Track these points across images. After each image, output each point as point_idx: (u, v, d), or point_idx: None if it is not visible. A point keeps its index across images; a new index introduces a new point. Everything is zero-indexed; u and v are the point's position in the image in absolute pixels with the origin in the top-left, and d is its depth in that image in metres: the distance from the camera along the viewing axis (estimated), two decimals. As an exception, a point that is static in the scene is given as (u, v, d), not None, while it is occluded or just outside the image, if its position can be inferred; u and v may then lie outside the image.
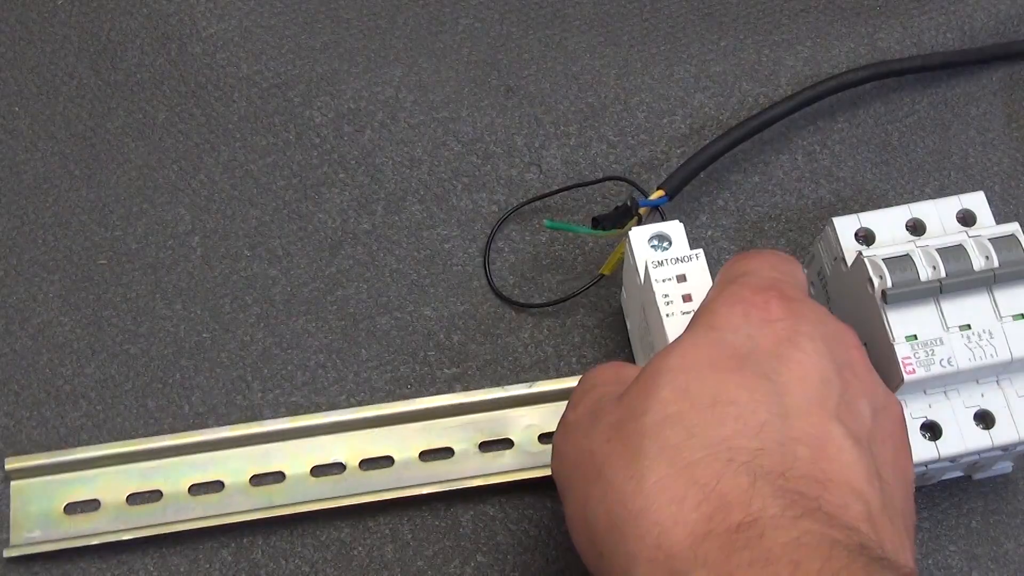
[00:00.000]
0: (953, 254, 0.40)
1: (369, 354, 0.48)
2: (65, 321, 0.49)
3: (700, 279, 0.41)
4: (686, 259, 0.41)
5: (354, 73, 0.54)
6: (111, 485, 0.45)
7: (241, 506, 0.45)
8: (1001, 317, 0.41)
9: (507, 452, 0.46)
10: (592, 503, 0.33)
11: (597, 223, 0.47)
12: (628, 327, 0.48)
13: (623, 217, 0.46)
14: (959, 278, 0.40)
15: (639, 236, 0.43)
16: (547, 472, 0.44)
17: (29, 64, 0.54)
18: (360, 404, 0.47)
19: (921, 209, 0.44)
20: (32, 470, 0.45)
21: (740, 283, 0.36)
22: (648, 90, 0.53)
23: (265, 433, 0.46)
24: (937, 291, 0.40)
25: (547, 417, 0.46)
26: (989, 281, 0.41)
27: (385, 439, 0.46)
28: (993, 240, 0.41)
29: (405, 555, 0.45)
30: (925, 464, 0.41)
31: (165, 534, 0.44)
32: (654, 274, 0.41)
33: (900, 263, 0.40)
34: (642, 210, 0.46)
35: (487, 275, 0.49)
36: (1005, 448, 0.41)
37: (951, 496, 0.45)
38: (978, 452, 0.41)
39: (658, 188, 0.48)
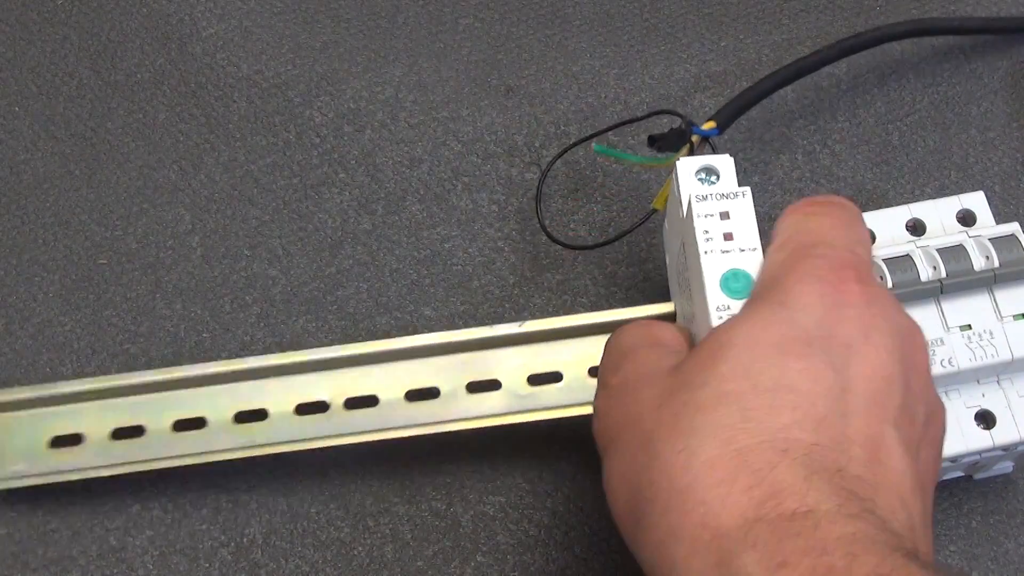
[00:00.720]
0: (953, 254, 0.40)
1: (369, 354, 0.48)
2: (65, 321, 0.49)
3: (745, 219, 0.39)
4: (732, 196, 0.39)
5: (354, 73, 0.54)
6: (95, 419, 0.44)
7: (224, 444, 0.44)
8: (1002, 317, 0.41)
9: (495, 394, 0.44)
10: (637, 469, 0.32)
11: (652, 142, 0.45)
12: (667, 261, 0.47)
13: (677, 141, 0.45)
14: (959, 278, 0.40)
15: (687, 167, 0.41)
16: (535, 417, 0.44)
17: (29, 64, 0.54)
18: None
19: (921, 209, 0.44)
20: (17, 403, 0.44)
21: (816, 257, 0.34)
22: (648, 90, 0.53)
23: (249, 370, 0.44)
24: (938, 291, 0.40)
25: (535, 357, 0.45)
26: (989, 281, 0.41)
27: (370, 378, 0.45)
28: (993, 240, 0.41)
29: (405, 555, 0.45)
30: (925, 464, 0.41)
31: (149, 471, 0.43)
32: (696, 208, 0.39)
33: (900, 263, 0.40)
34: (694, 138, 0.45)
35: (539, 218, 0.49)
36: (1006, 448, 0.41)
37: (951, 496, 0.45)
38: (979, 452, 0.41)
39: (709, 119, 0.46)
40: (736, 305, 0.36)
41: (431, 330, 0.48)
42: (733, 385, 0.32)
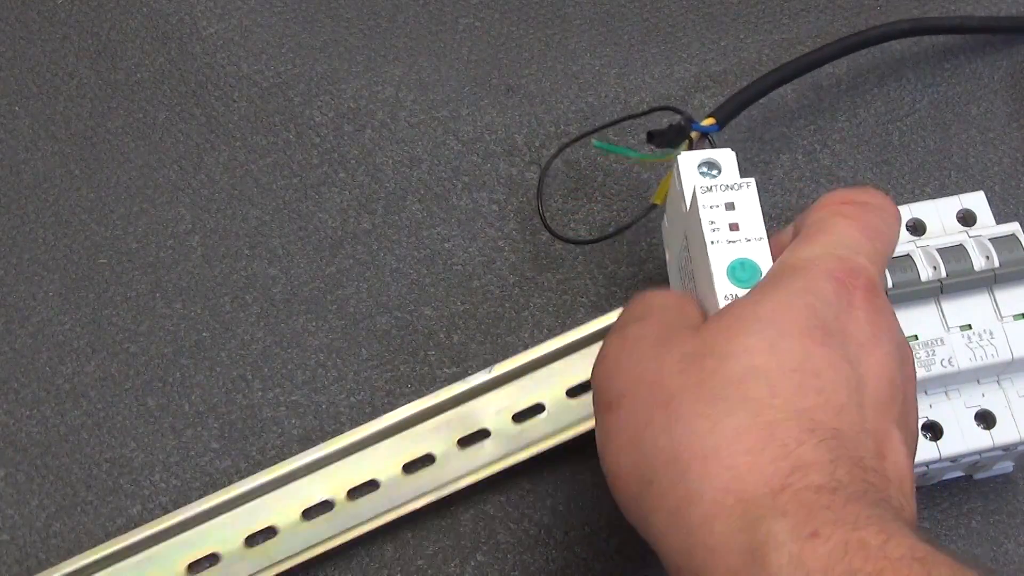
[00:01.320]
0: (954, 254, 0.40)
1: (369, 353, 0.48)
2: (65, 320, 0.49)
3: (750, 209, 0.38)
4: (736, 187, 0.39)
5: (354, 72, 0.54)
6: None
7: (242, 572, 0.44)
8: (1002, 317, 0.41)
9: (486, 442, 0.46)
10: (654, 429, 0.32)
11: (651, 137, 0.45)
12: (667, 258, 0.46)
13: (676, 137, 0.45)
14: (960, 278, 0.40)
15: (688, 161, 0.41)
16: (528, 454, 0.45)
17: (29, 64, 0.54)
18: (359, 403, 0.47)
19: (921, 209, 0.44)
20: None
21: (837, 258, 0.35)
22: (648, 89, 0.53)
23: (245, 493, 0.45)
24: (938, 291, 0.40)
25: (514, 396, 0.46)
26: (990, 281, 0.41)
27: (365, 462, 0.46)
28: (993, 240, 0.41)
29: (405, 555, 0.45)
30: (926, 464, 0.41)
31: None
32: (702, 200, 0.39)
33: (901, 263, 0.40)
34: (693, 134, 0.45)
35: (540, 213, 0.49)
36: (1006, 448, 0.41)
37: (951, 496, 0.45)
38: (979, 452, 0.41)
39: (709, 116, 0.46)
40: (743, 294, 0.36)
41: (431, 329, 0.48)
42: (760, 360, 0.32)
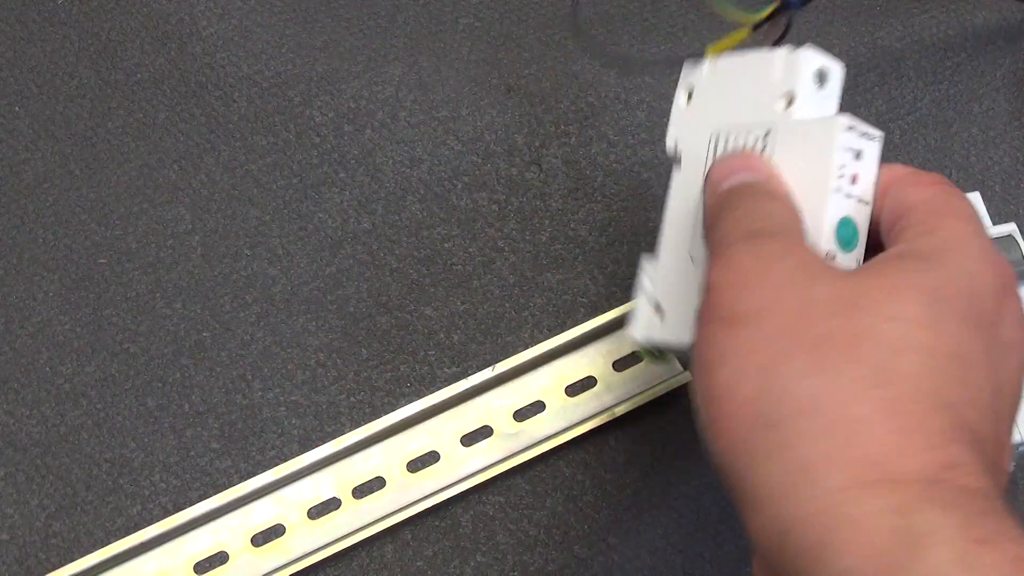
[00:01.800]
0: None
1: (369, 353, 0.48)
2: (65, 320, 0.49)
3: (870, 166, 0.35)
4: (870, 137, 0.35)
5: (354, 72, 0.54)
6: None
7: (249, 572, 0.44)
8: (1001, 317, 0.41)
9: (488, 440, 0.46)
10: (794, 368, 0.29)
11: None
12: (674, 172, 0.40)
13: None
14: (958, 279, 0.40)
15: (810, 60, 0.36)
16: (530, 455, 0.45)
17: (29, 64, 0.54)
18: (359, 403, 0.47)
19: (920, 209, 0.44)
20: None
21: (991, 250, 0.32)
22: (648, 89, 0.53)
23: (251, 492, 0.45)
24: (936, 291, 0.40)
25: (515, 394, 0.47)
26: (988, 281, 0.40)
27: (371, 460, 0.46)
28: (991, 241, 0.41)
29: (405, 555, 0.45)
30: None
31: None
32: (842, 139, 0.34)
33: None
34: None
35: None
36: (1006, 448, 0.41)
37: (951, 496, 0.45)
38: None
39: None
40: (843, 257, 0.34)
41: (431, 329, 0.48)
42: (921, 334, 0.29)
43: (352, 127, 0.52)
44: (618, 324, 0.47)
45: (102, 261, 0.50)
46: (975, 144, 0.52)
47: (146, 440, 0.47)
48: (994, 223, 0.43)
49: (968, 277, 0.31)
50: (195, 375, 0.48)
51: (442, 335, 0.49)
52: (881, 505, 0.27)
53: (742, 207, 0.34)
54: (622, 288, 0.49)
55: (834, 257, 0.33)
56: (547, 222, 0.50)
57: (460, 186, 0.51)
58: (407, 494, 0.45)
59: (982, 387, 0.30)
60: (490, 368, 0.46)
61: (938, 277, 0.31)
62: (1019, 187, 0.51)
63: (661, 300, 0.40)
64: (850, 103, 0.52)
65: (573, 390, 0.47)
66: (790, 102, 0.36)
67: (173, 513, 0.44)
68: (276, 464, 0.45)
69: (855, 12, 0.55)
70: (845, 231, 0.34)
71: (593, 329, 0.47)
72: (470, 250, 0.50)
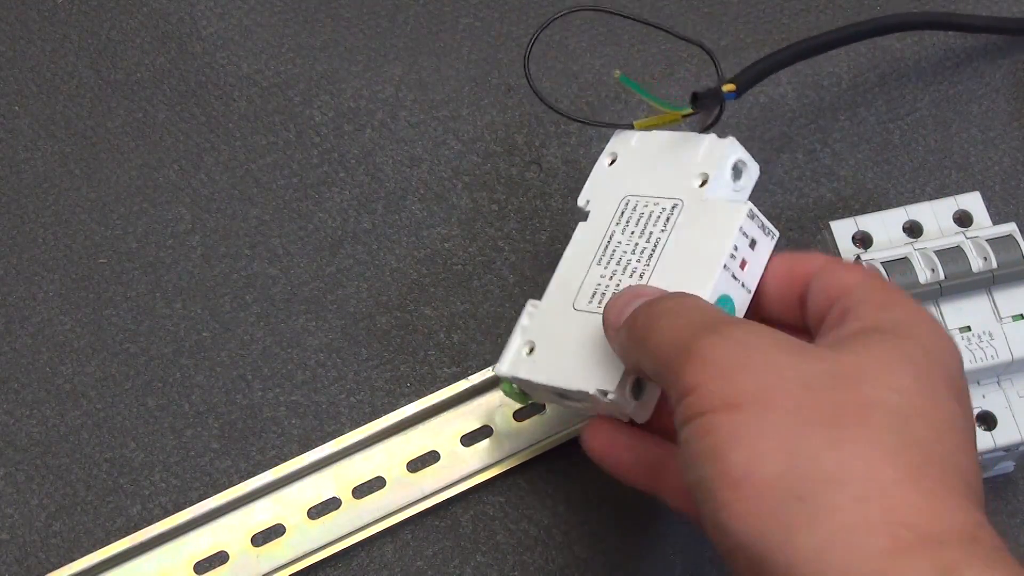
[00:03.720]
0: (951, 256, 0.40)
1: (369, 353, 0.48)
2: (65, 320, 0.49)
3: (760, 260, 0.37)
4: (767, 232, 0.38)
5: (354, 72, 0.54)
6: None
7: (250, 573, 0.44)
8: (1001, 318, 0.41)
9: (487, 441, 0.46)
10: (814, 443, 0.30)
11: (696, 99, 0.41)
12: (569, 246, 0.42)
13: (711, 101, 0.41)
14: (958, 280, 0.40)
15: (729, 148, 0.39)
16: (529, 455, 0.45)
17: (29, 64, 0.54)
18: (359, 403, 0.47)
19: (917, 211, 0.44)
20: None
21: (933, 320, 0.34)
22: (648, 89, 0.53)
23: (251, 492, 0.45)
24: (937, 293, 0.40)
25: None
26: (988, 282, 0.41)
27: (372, 460, 0.46)
28: (991, 241, 0.41)
29: (405, 555, 0.45)
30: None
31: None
32: (745, 224, 0.37)
33: (899, 266, 0.40)
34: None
35: (528, 81, 0.44)
36: (1007, 448, 0.41)
37: (951, 496, 0.45)
38: (980, 453, 0.41)
39: (729, 81, 0.43)
40: None
41: (431, 328, 0.48)
42: (919, 402, 0.31)
43: (352, 126, 0.52)
44: None
45: (102, 261, 0.50)
46: (975, 144, 0.52)
47: (146, 440, 0.47)
48: (994, 223, 0.43)
49: (940, 350, 0.32)
50: (195, 375, 0.48)
51: (442, 335, 0.49)
52: (928, 566, 0.27)
53: (671, 314, 0.34)
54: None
55: None
56: (547, 222, 0.50)
57: (460, 186, 0.51)
58: (407, 494, 0.45)
59: (972, 452, 0.31)
60: (490, 368, 0.46)
61: (917, 349, 0.32)
62: (1019, 187, 0.51)
63: (536, 339, 0.41)
64: (850, 103, 0.53)
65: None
66: (704, 182, 0.38)
67: (173, 513, 0.44)
68: (276, 464, 0.45)
69: (855, 13, 0.55)
70: (724, 307, 0.36)
71: None
72: (470, 250, 0.50)
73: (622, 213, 0.41)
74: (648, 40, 0.55)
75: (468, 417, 0.46)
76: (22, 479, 0.46)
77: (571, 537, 0.45)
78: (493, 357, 0.47)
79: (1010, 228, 0.41)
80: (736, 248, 0.37)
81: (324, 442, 0.45)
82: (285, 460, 0.45)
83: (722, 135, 0.40)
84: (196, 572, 0.44)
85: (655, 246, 0.38)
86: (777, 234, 0.38)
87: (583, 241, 0.41)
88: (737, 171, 0.39)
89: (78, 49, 0.54)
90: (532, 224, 0.50)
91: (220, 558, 0.44)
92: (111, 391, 0.48)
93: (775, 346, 0.32)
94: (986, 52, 0.54)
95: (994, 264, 0.40)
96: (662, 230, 0.39)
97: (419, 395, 0.47)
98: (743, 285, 0.37)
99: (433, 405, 0.46)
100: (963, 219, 0.43)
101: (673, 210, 0.39)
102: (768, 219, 0.38)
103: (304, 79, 0.53)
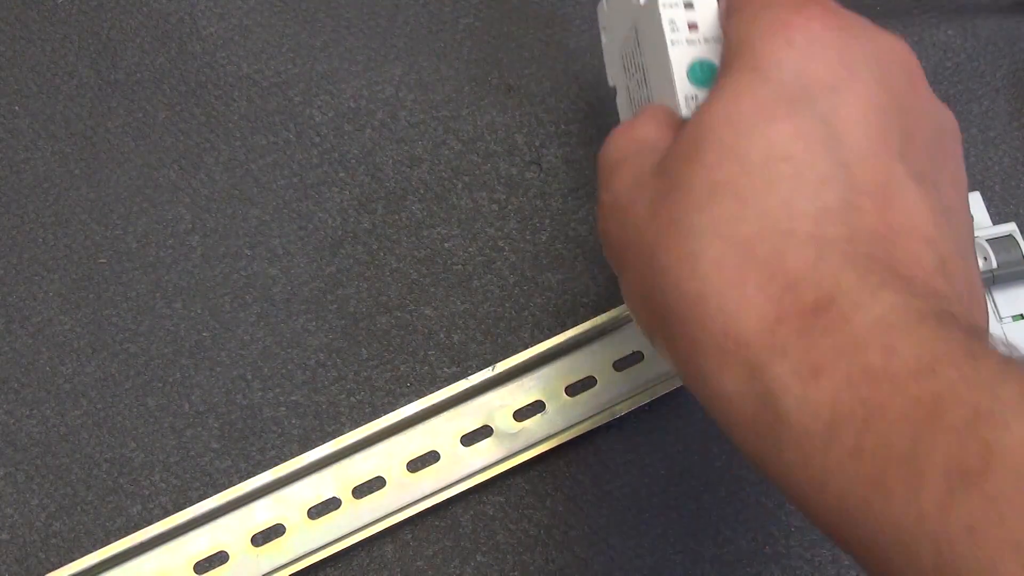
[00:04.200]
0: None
1: (369, 353, 0.48)
2: (65, 320, 0.49)
3: (707, 7, 0.38)
4: None
5: (354, 72, 0.54)
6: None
7: (250, 573, 0.44)
8: (1001, 318, 0.41)
9: (488, 441, 0.46)
10: (648, 286, 0.30)
11: None
12: (603, 38, 0.46)
13: None
14: (958, 279, 0.40)
15: None
16: (529, 455, 0.45)
17: (29, 63, 0.54)
18: (359, 403, 0.47)
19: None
20: None
21: (772, 6, 0.31)
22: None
23: (251, 492, 0.45)
24: (937, 292, 0.40)
25: (515, 394, 0.47)
26: (988, 282, 0.41)
27: (371, 460, 0.46)
28: (991, 241, 0.41)
29: (405, 555, 0.45)
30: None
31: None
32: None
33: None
34: None
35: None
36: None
37: (951, 496, 0.45)
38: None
39: None
40: (704, 94, 0.35)
41: (431, 328, 0.48)
42: (722, 172, 0.29)
43: (352, 126, 0.52)
44: (619, 324, 0.47)
45: (102, 261, 0.50)
46: (975, 144, 0.52)
47: (146, 440, 0.47)
48: (994, 223, 0.43)
49: (754, 71, 0.30)
50: (195, 375, 0.48)
51: (442, 335, 0.49)
52: (741, 374, 0.28)
53: (600, 162, 0.35)
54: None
55: (695, 97, 0.35)
56: (547, 222, 0.50)
57: (460, 186, 0.51)
58: (407, 494, 0.45)
59: (813, 160, 0.29)
60: (490, 368, 0.46)
61: (727, 98, 0.30)
62: (1019, 187, 0.51)
63: None
64: (850, 103, 0.52)
65: (573, 390, 0.47)
66: None
67: (173, 513, 0.44)
68: (276, 464, 0.45)
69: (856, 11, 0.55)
70: (701, 73, 0.36)
71: (593, 328, 0.47)
72: (470, 250, 0.50)
73: (625, 69, 0.43)
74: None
75: (468, 417, 0.46)
76: (22, 479, 0.46)
77: (571, 537, 0.45)
78: (493, 357, 0.48)
79: (1010, 228, 0.41)
80: (673, 21, 0.37)
81: (324, 442, 0.45)
82: (285, 460, 0.45)
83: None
84: (196, 572, 0.44)
85: (644, 74, 0.40)
86: None
87: (624, 109, 0.45)
88: None
89: (78, 49, 0.54)
90: (532, 224, 0.50)
91: (220, 558, 0.44)
92: (111, 391, 0.48)
93: (627, 195, 0.32)
94: (986, 53, 0.54)
95: (994, 264, 0.40)
96: (640, 57, 0.40)
97: (419, 395, 0.47)
98: (708, 40, 0.37)
99: (433, 405, 0.46)
100: (963, 219, 0.43)
101: (638, 36, 0.40)
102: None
103: (304, 79, 0.53)
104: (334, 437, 0.46)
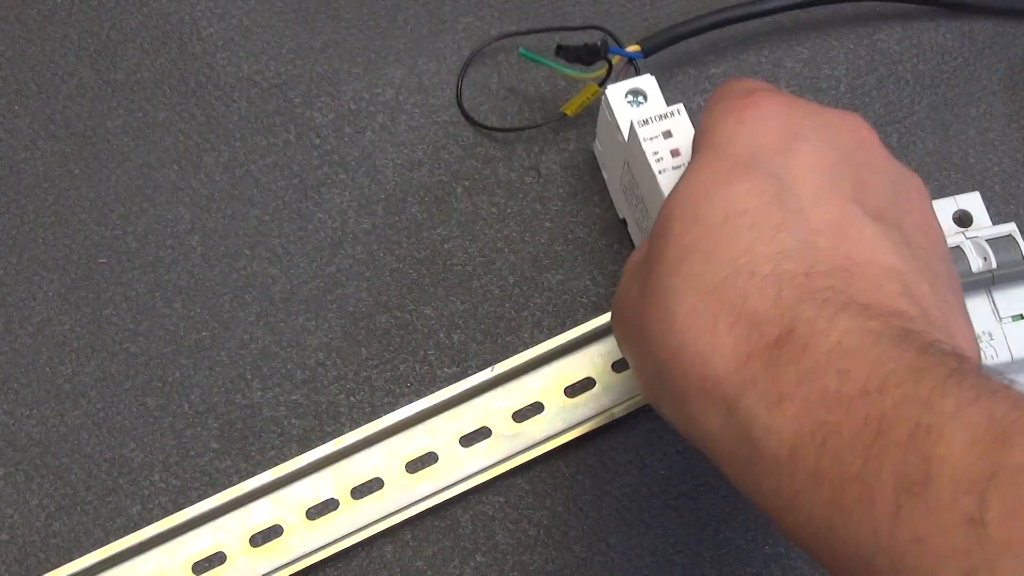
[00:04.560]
0: (951, 256, 0.41)
1: (369, 353, 0.48)
2: (65, 320, 0.49)
3: (685, 133, 0.41)
4: (668, 115, 0.42)
5: (355, 74, 0.54)
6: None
7: (248, 573, 0.44)
8: (1000, 318, 0.41)
9: (487, 441, 0.46)
10: (643, 354, 0.33)
11: (560, 50, 0.47)
12: (605, 176, 0.49)
13: (590, 56, 0.47)
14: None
15: (616, 93, 0.44)
16: (529, 456, 0.45)
17: (29, 63, 0.54)
18: (358, 403, 0.47)
19: (918, 210, 0.44)
20: None
21: (726, 96, 0.35)
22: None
23: (249, 492, 0.45)
24: (937, 292, 0.40)
25: (514, 394, 0.47)
26: (988, 282, 0.41)
27: (370, 461, 0.46)
28: (991, 241, 0.41)
29: (405, 555, 0.45)
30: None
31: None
32: (641, 133, 0.41)
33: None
34: (614, 59, 0.47)
35: (459, 101, 0.52)
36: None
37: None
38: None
39: (636, 43, 0.49)
40: None
41: (431, 328, 0.48)
42: (689, 236, 0.31)
43: (352, 129, 0.52)
44: None
45: (102, 261, 0.50)
46: (973, 146, 0.52)
47: (146, 440, 0.47)
48: (994, 223, 0.43)
49: (710, 147, 0.34)
50: (195, 375, 0.48)
51: (442, 335, 0.49)
52: (721, 413, 0.30)
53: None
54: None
55: None
56: (547, 224, 0.50)
57: (460, 190, 0.51)
58: (406, 495, 0.45)
59: (768, 211, 0.31)
60: (489, 368, 0.46)
61: (689, 176, 0.33)
62: (1019, 187, 0.51)
63: None
64: (848, 106, 0.53)
65: (572, 391, 0.47)
66: (632, 132, 0.42)
67: (173, 513, 0.44)
68: (276, 464, 0.45)
69: (854, 15, 0.55)
70: None
71: (593, 330, 0.47)
72: (470, 250, 0.50)
73: (628, 201, 0.46)
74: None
75: (467, 418, 0.46)
76: (22, 479, 0.46)
77: (571, 537, 0.45)
78: (493, 357, 0.48)
79: (1010, 228, 0.41)
80: (656, 152, 0.41)
81: (324, 442, 0.45)
82: (285, 460, 0.45)
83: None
84: (194, 572, 0.44)
85: (644, 203, 0.43)
86: (680, 105, 0.42)
87: (637, 242, 0.48)
88: (636, 97, 0.44)
89: (78, 49, 0.54)
90: (532, 226, 0.51)
91: (219, 558, 0.44)
92: (111, 391, 0.48)
93: (625, 284, 0.36)
94: (983, 56, 0.54)
95: (994, 264, 0.40)
96: (637, 188, 0.43)
97: (419, 395, 0.47)
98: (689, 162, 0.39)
99: (432, 406, 0.46)
100: (963, 219, 0.44)
101: (631, 170, 0.43)
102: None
103: (304, 80, 0.53)
104: (334, 437, 0.45)
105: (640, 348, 0.33)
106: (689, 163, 0.34)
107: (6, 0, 0.55)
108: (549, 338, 0.47)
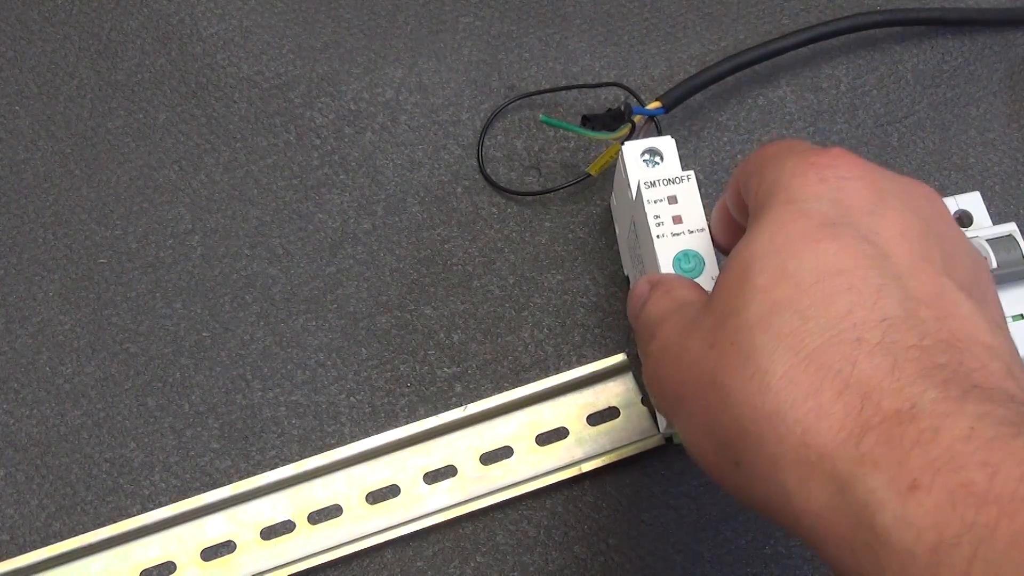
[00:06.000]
0: None
1: (369, 353, 0.48)
2: (65, 320, 0.49)
3: (691, 202, 0.40)
4: (677, 180, 0.41)
5: (355, 74, 0.54)
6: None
7: (255, 564, 0.44)
8: (1001, 318, 0.41)
9: (451, 480, 0.46)
10: (714, 413, 0.30)
11: (586, 121, 0.47)
12: (616, 231, 0.49)
13: (614, 121, 0.47)
14: (958, 279, 0.40)
15: (632, 151, 0.44)
16: (491, 500, 0.45)
17: (29, 64, 0.54)
18: (358, 403, 0.47)
19: (919, 210, 0.44)
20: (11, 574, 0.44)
21: (796, 153, 0.32)
22: (648, 91, 0.53)
23: (205, 506, 0.45)
24: (937, 292, 0.40)
25: (483, 436, 0.46)
26: (988, 282, 0.41)
27: (331, 487, 0.46)
28: (991, 241, 0.41)
29: (405, 555, 0.45)
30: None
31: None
32: (646, 194, 0.41)
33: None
34: (636, 118, 0.47)
35: (480, 163, 0.51)
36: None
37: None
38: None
39: (656, 99, 0.48)
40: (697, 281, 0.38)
41: (431, 328, 0.48)
42: (778, 292, 0.29)
43: (353, 129, 0.53)
44: (596, 378, 0.47)
45: (102, 261, 0.50)
46: (973, 146, 0.52)
47: (146, 440, 0.47)
48: (994, 223, 0.43)
49: (791, 205, 0.31)
50: (195, 375, 0.48)
51: (442, 335, 0.49)
52: (828, 488, 0.27)
53: (637, 334, 0.37)
54: (622, 288, 0.49)
55: None
56: (547, 224, 0.50)
57: (460, 190, 0.51)
58: (363, 525, 0.45)
59: (866, 274, 0.29)
60: (462, 408, 0.46)
61: (771, 230, 0.31)
62: (1019, 187, 0.51)
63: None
64: (848, 106, 0.53)
65: (543, 439, 0.46)
66: (638, 192, 0.41)
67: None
68: (276, 464, 0.45)
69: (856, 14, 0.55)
70: (686, 262, 0.39)
71: (571, 380, 0.47)
72: (470, 250, 0.50)
73: (632, 259, 0.46)
74: (648, 40, 0.55)
75: (435, 455, 0.46)
76: (22, 479, 0.46)
77: (571, 537, 0.45)
78: (493, 357, 0.48)
79: (1010, 228, 0.41)
80: (658, 216, 0.40)
81: (324, 442, 0.45)
82: (285, 460, 0.45)
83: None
84: (204, 558, 0.44)
85: (643, 263, 0.42)
86: (691, 173, 0.41)
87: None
88: (652, 157, 0.44)
89: (78, 49, 0.54)
90: (532, 226, 0.51)
91: (168, 568, 0.44)
92: (111, 391, 0.48)
93: (676, 340, 0.33)
94: (983, 56, 0.54)
95: (994, 264, 0.40)
96: (639, 248, 0.43)
97: (419, 395, 0.47)
98: (692, 231, 0.40)
99: (401, 439, 0.46)
100: (963, 219, 0.44)
101: (636, 229, 0.43)
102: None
103: (305, 81, 0.53)
104: (334, 437, 0.46)
105: (707, 406, 0.30)
106: (759, 217, 0.32)
107: (7, 1, 0.55)
108: (547, 339, 0.47)
